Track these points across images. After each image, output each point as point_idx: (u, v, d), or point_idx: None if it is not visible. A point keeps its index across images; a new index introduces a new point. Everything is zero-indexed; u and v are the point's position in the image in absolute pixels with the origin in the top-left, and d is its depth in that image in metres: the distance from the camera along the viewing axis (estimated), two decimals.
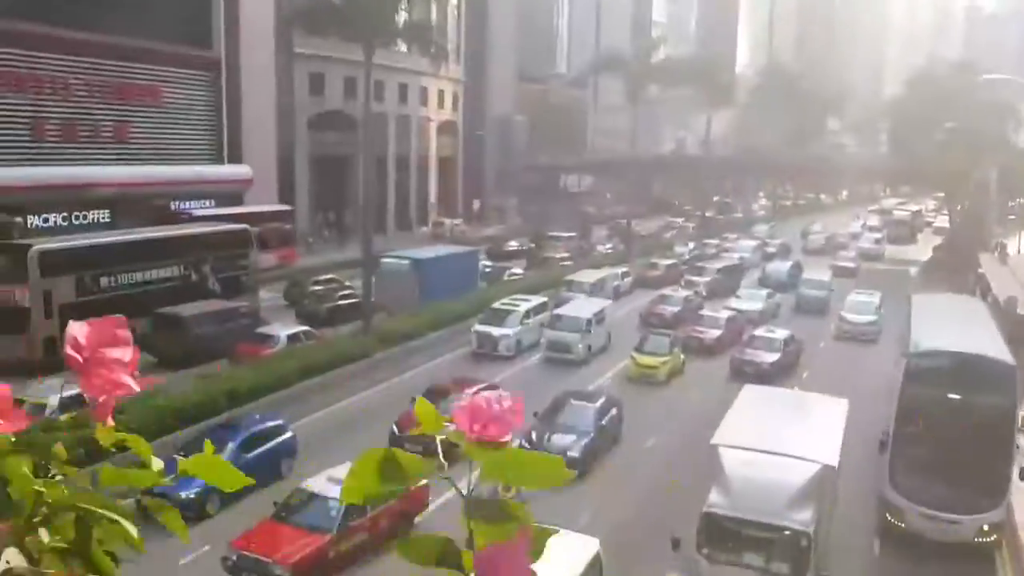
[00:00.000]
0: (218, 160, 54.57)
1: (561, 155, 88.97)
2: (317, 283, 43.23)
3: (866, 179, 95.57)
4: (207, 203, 53.43)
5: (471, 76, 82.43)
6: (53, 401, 20.81)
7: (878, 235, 73.59)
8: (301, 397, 25.79)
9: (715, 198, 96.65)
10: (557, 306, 38.15)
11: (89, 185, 44.92)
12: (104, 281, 32.08)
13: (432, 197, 77.97)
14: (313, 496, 17.74)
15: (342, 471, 16.44)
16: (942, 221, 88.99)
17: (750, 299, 44.20)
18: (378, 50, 34.39)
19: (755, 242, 66.43)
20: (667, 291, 43.56)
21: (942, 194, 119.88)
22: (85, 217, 45.86)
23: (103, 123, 47.15)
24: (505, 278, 48.25)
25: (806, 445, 16.90)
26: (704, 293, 46.41)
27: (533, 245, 62.35)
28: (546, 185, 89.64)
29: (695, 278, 49.28)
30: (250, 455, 20.17)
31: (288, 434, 21.86)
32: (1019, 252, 57.69)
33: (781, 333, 33.94)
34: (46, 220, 43.80)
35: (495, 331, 33.51)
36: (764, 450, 16.42)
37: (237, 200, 54.83)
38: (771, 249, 65.28)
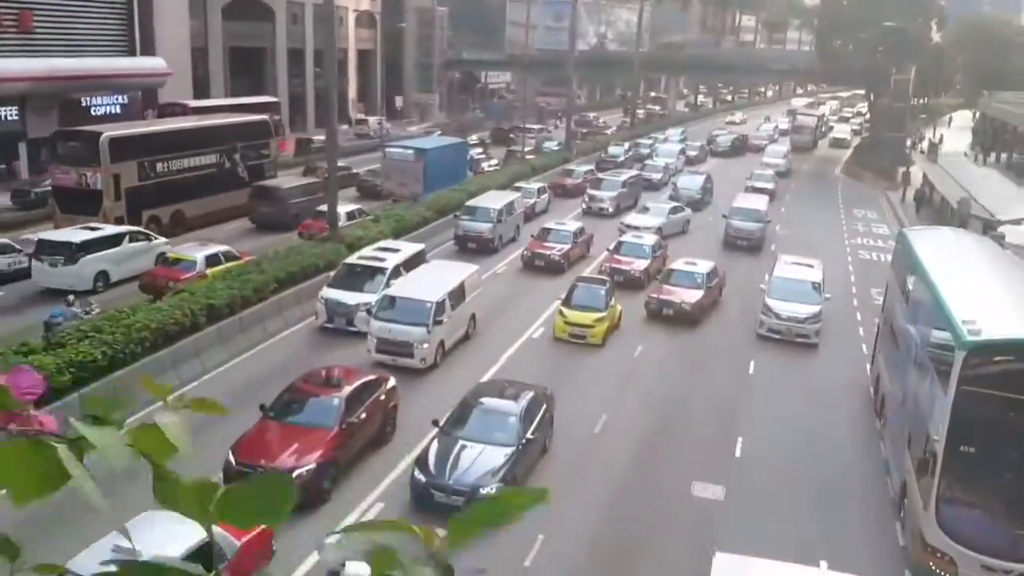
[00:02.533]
0: (130, 52, 50.77)
1: (481, 50, 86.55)
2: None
3: (790, 78, 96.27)
4: (119, 98, 50.15)
5: None
6: (200, 256, 26.40)
7: (784, 148, 65.72)
8: None
9: (652, 94, 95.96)
10: (459, 237, 33.75)
11: None
12: (159, 167, 34.37)
13: (352, 93, 74.96)
14: None
15: None
16: (841, 130, 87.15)
17: (653, 214, 38.33)
18: None
19: (678, 145, 63.80)
20: (551, 223, 34.62)
21: (846, 94, 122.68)
22: None
23: (3, 11, 42.98)
24: (486, 168, 50.37)
25: None
26: (611, 210, 41.37)
27: (512, 136, 63.16)
28: (468, 81, 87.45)
29: (598, 193, 43.27)
30: None
31: None
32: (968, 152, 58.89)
33: (704, 266, 28.47)
34: None
35: (350, 298, 23.98)
36: None
37: (152, 94, 51.62)
38: (692, 152, 63.59)
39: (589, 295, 25.16)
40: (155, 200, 33.37)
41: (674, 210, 39.55)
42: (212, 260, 26.26)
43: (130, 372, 18.78)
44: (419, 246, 27.96)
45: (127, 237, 28.31)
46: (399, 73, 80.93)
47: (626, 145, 62.78)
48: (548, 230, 33.46)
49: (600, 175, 47.39)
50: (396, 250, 26.70)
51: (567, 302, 25.01)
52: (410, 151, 42.38)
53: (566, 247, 32.25)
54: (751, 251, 36.48)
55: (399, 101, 78.43)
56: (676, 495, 16.74)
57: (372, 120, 68.36)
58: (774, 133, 79.61)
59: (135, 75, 50.30)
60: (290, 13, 66.17)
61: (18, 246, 28.35)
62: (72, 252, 26.52)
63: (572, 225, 34.54)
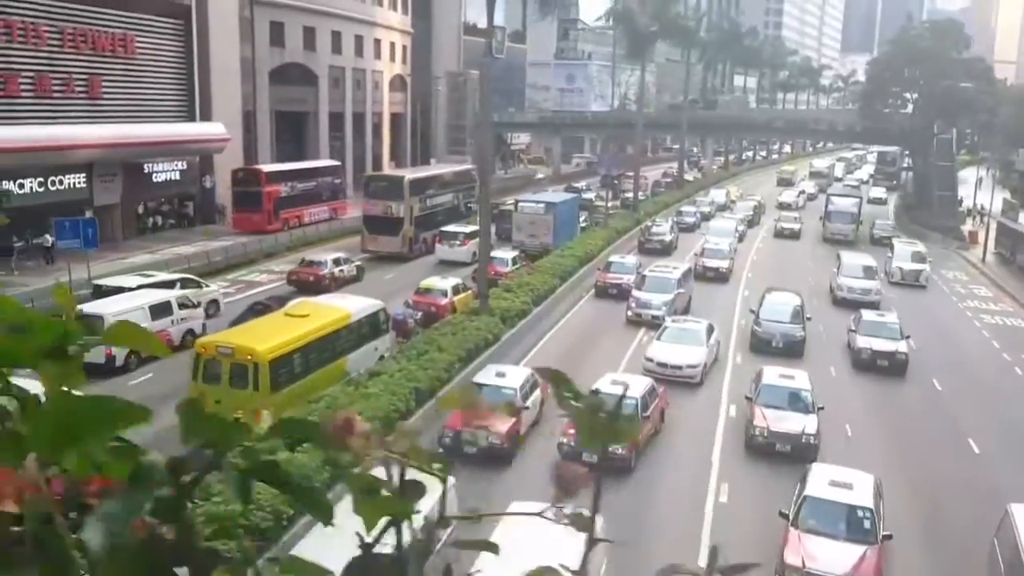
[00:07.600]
0: (189, 117, 49.45)
1: (505, 112, 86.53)
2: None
3: (829, 138, 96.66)
4: (179, 163, 48.76)
5: (417, 28, 78.38)
6: (448, 287, 31.50)
7: (866, 262, 40.28)
8: None
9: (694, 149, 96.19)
10: None
11: (67, 147, 39.60)
12: (428, 202, 45.42)
13: (387, 156, 74.08)
14: None
15: None
16: (876, 191, 78.35)
17: (680, 340, 26.02)
18: None
19: (732, 222, 53.67)
20: (605, 381, 20.22)
21: (850, 154, 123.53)
22: (62, 182, 40.66)
23: (76, 77, 41.58)
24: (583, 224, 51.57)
25: None
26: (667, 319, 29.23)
27: (616, 183, 64.91)
28: (495, 142, 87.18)
29: (644, 295, 31.94)
30: None
31: None
32: None
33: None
34: (22, 186, 38.37)
35: None
36: None
37: (208, 158, 50.23)
38: (741, 227, 53.87)
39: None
40: (425, 227, 44.09)
41: (709, 330, 27.43)
42: (455, 290, 31.44)
43: None
44: None
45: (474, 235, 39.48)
46: (430, 135, 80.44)
47: (669, 221, 52.95)
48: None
49: (645, 272, 34.67)
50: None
51: None
52: (541, 204, 46.16)
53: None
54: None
55: (433, 163, 77.63)
56: None
57: None
58: (799, 199, 70.10)
59: (197, 140, 49.02)
60: (332, 77, 65.41)
61: (351, 258, 38.19)
62: (463, 239, 41.65)
63: (637, 384, 20.80)
